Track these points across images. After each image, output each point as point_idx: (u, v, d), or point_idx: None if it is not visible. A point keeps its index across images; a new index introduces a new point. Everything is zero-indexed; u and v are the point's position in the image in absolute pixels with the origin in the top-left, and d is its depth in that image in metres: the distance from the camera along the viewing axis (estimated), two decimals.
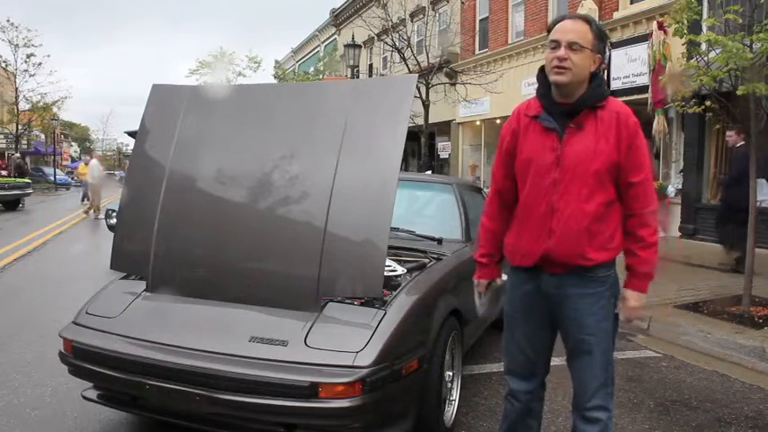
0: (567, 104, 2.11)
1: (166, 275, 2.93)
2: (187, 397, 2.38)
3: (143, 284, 2.97)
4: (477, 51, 16.75)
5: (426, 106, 13.66)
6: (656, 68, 9.80)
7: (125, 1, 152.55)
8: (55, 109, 32.38)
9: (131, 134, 5.05)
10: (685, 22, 5.38)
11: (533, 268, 2.18)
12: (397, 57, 15.47)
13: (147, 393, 2.50)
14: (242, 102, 3.27)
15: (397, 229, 3.42)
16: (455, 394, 3.14)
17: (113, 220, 6.95)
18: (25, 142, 33.59)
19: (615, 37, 11.68)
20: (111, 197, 15.70)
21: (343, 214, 2.69)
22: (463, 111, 16.43)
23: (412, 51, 14.60)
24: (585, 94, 2.10)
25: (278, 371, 2.31)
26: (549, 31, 2.15)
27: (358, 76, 16.21)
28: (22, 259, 8.34)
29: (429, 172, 13.79)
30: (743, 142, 7.49)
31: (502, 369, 2.45)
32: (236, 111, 3.19)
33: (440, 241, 3.61)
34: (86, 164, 17.35)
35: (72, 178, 36.67)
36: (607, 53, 11.42)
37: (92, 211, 14.88)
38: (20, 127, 30.71)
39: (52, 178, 33.02)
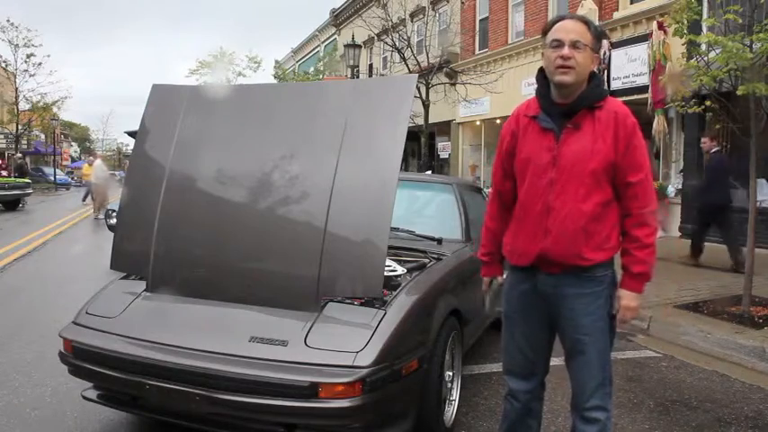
0: (566, 105, 2.12)
1: (166, 275, 2.93)
2: (187, 397, 2.38)
3: (143, 284, 2.97)
4: (477, 51, 16.75)
5: (426, 106, 13.66)
6: (656, 68, 9.80)
7: (125, 1, 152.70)
8: (55, 109, 32.42)
9: (131, 134, 5.04)
10: (685, 22, 5.39)
11: (530, 268, 2.19)
12: (397, 57, 15.46)
13: (147, 393, 2.50)
14: (242, 102, 3.27)
15: (397, 229, 3.42)
16: (455, 394, 3.14)
17: (113, 220, 6.95)
18: (25, 142, 33.60)
19: (615, 37, 11.69)
20: (114, 197, 15.69)
21: (343, 214, 2.69)
22: (463, 111, 16.42)
23: (412, 51, 14.60)
24: (584, 94, 2.11)
25: (278, 371, 2.31)
26: (545, 31, 2.15)
27: (358, 76, 16.21)
28: (22, 259, 8.34)
29: (429, 172, 13.79)
30: (717, 148, 7.66)
31: (502, 369, 2.45)
32: (236, 111, 3.19)
33: (440, 241, 3.61)
34: (90, 164, 17.34)
35: (72, 178, 36.70)
36: (607, 53, 11.43)
37: (93, 211, 14.84)
38: (20, 127, 30.72)
39: (52, 178, 33.02)
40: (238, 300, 2.73)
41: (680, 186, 10.54)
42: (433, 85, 14.09)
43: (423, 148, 15.63)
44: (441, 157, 18.66)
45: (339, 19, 25.39)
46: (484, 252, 2.43)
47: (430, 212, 4.23)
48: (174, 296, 2.85)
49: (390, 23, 15.45)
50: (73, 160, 55.60)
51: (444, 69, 16.37)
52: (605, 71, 11.40)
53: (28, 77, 29.32)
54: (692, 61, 5.40)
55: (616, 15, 11.83)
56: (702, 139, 7.84)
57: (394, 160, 2.73)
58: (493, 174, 2.41)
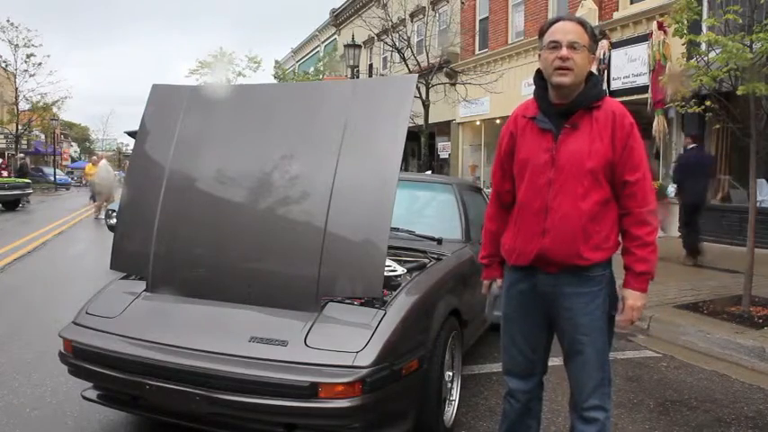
0: (564, 105, 2.12)
1: (166, 275, 2.93)
2: (187, 397, 2.38)
3: (143, 284, 2.97)
4: (477, 51, 16.75)
5: (426, 106, 13.66)
6: (656, 68, 9.81)
7: (125, 1, 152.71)
8: (55, 109, 32.43)
9: (131, 134, 5.05)
10: (685, 22, 5.38)
11: (529, 267, 2.19)
12: (397, 57, 15.47)
13: (147, 393, 2.50)
14: (242, 102, 3.27)
15: (397, 229, 3.43)
16: (455, 394, 3.14)
17: (113, 220, 6.95)
18: (25, 142, 33.61)
19: (615, 37, 11.69)
20: (117, 197, 15.65)
21: (343, 214, 2.69)
22: (463, 111, 16.42)
23: (412, 51, 14.60)
24: (581, 94, 2.12)
25: (278, 371, 2.31)
26: (541, 33, 2.15)
27: (358, 76, 16.20)
28: (22, 259, 8.34)
29: (429, 172, 13.79)
30: (693, 145, 7.81)
31: (501, 369, 2.45)
32: (236, 111, 3.19)
33: (440, 241, 3.61)
34: (94, 164, 17.30)
35: (72, 179, 36.71)
36: (607, 53, 11.43)
37: (94, 211, 14.82)
38: (20, 127, 30.71)
39: (52, 178, 33.01)
40: (238, 300, 2.73)
41: None
42: (433, 85, 14.09)
43: (423, 148, 15.62)
44: (441, 157, 18.66)
45: (339, 19, 25.40)
46: (484, 255, 2.43)
47: (430, 212, 4.23)
48: (174, 296, 2.85)
49: (390, 23, 15.45)
50: (73, 160, 55.60)
51: (444, 69, 16.37)
52: (605, 71, 11.41)
53: (28, 77, 29.38)
54: (692, 61, 5.40)
55: (616, 15, 11.83)
56: (685, 140, 8.05)
57: (394, 160, 2.73)
58: (492, 175, 2.42)
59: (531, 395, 2.35)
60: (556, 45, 2.07)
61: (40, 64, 28.85)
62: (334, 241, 2.66)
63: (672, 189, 10.66)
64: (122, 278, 3.18)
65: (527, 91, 13.24)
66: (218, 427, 2.51)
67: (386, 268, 2.74)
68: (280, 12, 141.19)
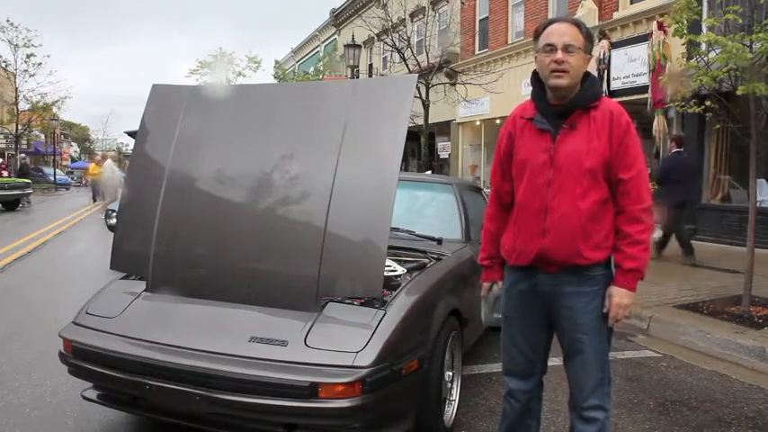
0: (561, 106, 2.14)
1: (166, 275, 2.93)
2: (187, 397, 2.38)
3: (143, 284, 2.97)
4: (477, 51, 16.75)
5: (426, 106, 13.67)
6: (656, 68, 9.80)
7: (125, 1, 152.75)
8: (55, 109, 32.41)
9: (131, 134, 5.05)
10: (685, 22, 5.38)
11: (530, 267, 2.19)
12: (397, 57, 15.47)
13: (147, 393, 2.50)
14: (242, 102, 3.27)
15: (397, 229, 3.43)
16: (455, 394, 3.14)
17: (113, 220, 6.95)
18: (25, 142, 33.61)
19: (615, 37, 11.69)
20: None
21: (343, 214, 2.69)
22: (463, 111, 16.43)
23: (412, 51, 14.60)
24: (578, 94, 2.13)
25: (278, 371, 2.31)
26: (536, 35, 2.16)
27: (358, 76, 16.21)
28: (22, 259, 8.34)
29: (429, 172, 13.79)
30: (677, 149, 7.98)
31: (501, 369, 2.45)
32: (237, 111, 3.19)
33: (440, 241, 3.61)
34: (98, 164, 17.24)
35: (72, 179, 36.69)
36: (607, 53, 11.43)
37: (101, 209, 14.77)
38: (20, 127, 30.71)
39: (52, 178, 33.02)
40: (238, 300, 2.73)
41: None
42: (433, 85, 14.09)
43: (423, 148, 15.62)
44: (441, 157, 18.66)
45: (339, 19, 25.40)
46: (484, 256, 2.42)
47: (430, 212, 4.23)
48: (174, 296, 2.85)
49: (390, 23, 15.45)
50: (73, 160, 55.58)
51: (444, 69, 16.37)
52: (605, 71, 11.40)
53: (28, 77, 29.37)
54: (691, 61, 5.39)
55: (616, 15, 11.82)
56: (669, 143, 8.22)
57: (394, 160, 2.73)
58: (491, 175, 2.42)
59: (530, 395, 2.35)
60: (551, 48, 2.08)
61: (40, 64, 28.89)
62: (334, 241, 2.66)
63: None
64: (122, 278, 3.18)
65: (527, 91, 13.03)
66: (218, 427, 2.51)
67: (386, 268, 2.74)
68: (280, 12, 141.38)
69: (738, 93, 4.91)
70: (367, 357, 2.33)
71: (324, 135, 2.88)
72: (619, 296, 2.12)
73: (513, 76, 14.66)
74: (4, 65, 29.99)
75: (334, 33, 26.35)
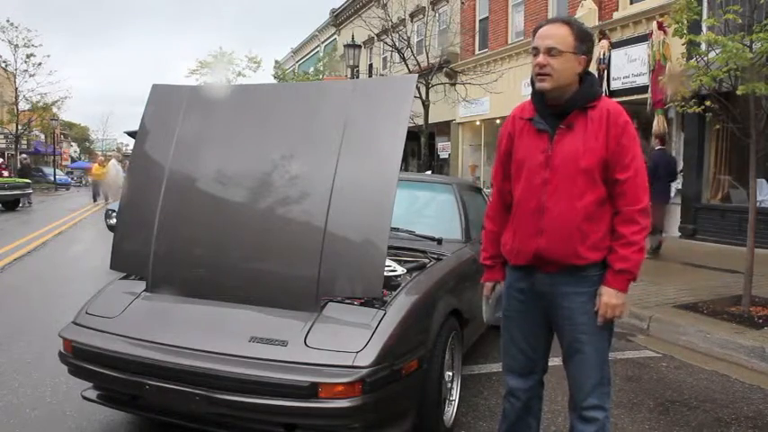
0: (558, 106, 2.14)
1: (166, 275, 2.93)
2: (187, 397, 2.38)
3: (143, 284, 2.97)
4: (477, 51, 16.76)
5: (426, 106, 13.66)
6: (656, 68, 9.81)
7: (125, 1, 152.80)
8: (55, 109, 32.39)
9: (131, 134, 5.05)
10: (685, 22, 5.39)
11: (528, 267, 2.20)
12: (397, 57, 15.45)
13: (147, 393, 2.50)
14: (242, 102, 3.27)
15: (397, 229, 3.43)
16: (455, 394, 3.14)
17: (113, 220, 6.95)
18: (25, 142, 33.59)
19: (615, 37, 11.69)
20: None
21: (343, 214, 2.69)
22: (463, 111, 16.43)
23: (412, 51, 14.60)
24: (575, 95, 2.13)
25: (278, 371, 2.31)
26: (533, 36, 2.17)
27: (358, 76, 16.21)
28: (21, 259, 8.34)
29: (429, 172, 13.79)
30: (660, 147, 8.07)
31: (501, 369, 2.45)
32: (236, 111, 3.19)
33: (440, 241, 3.61)
34: (101, 164, 17.24)
35: (72, 179, 36.69)
36: (607, 53, 11.42)
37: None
38: (20, 127, 30.70)
39: (52, 178, 33.01)
40: (238, 300, 2.73)
41: (680, 186, 10.55)
42: (433, 85, 14.09)
43: (423, 148, 15.62)
44: (440, 157, 18.67)
45: (339, 19, 25.40)
46: (486, 256, 2.43)
47: (430, 212, 4.23)
48: (174, 296, 2.85)
49: (390, 23, 15.44)
50: (73, 160, 55.58)
51: (444, 69, 16.37)
52: (605, 71, 11.41)
53: (28, 77, 29.34)
54: (691, 61, 5.40)
55: (616, 15, 11.83)
56: (653, 141, 8.37)
57: (394, 160, 2.73)
58: (493, 175, 2.43)
59: (531, 394, 2.35)
60: (536, 51, 2.11)
61: (39, 64, 28.86)
62: (333, 241, 2.66)
63: (672, 189, 10.69)
64: (122, 278, 3.18)
65: (527, 91, 13.08)
66: (218, 427, 2.51)
67: (386, 268, 2.74)
68: (280, 12, 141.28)
69: (738, 93, 4.91)
70: (367, 357, 2.33)
71: (324, 135, 2.88)
72: (608, 296, 2.11)
73: (512, 76, 14.66)
74: (4, 65, 29.98)
75: (334, 33, 26.35)
